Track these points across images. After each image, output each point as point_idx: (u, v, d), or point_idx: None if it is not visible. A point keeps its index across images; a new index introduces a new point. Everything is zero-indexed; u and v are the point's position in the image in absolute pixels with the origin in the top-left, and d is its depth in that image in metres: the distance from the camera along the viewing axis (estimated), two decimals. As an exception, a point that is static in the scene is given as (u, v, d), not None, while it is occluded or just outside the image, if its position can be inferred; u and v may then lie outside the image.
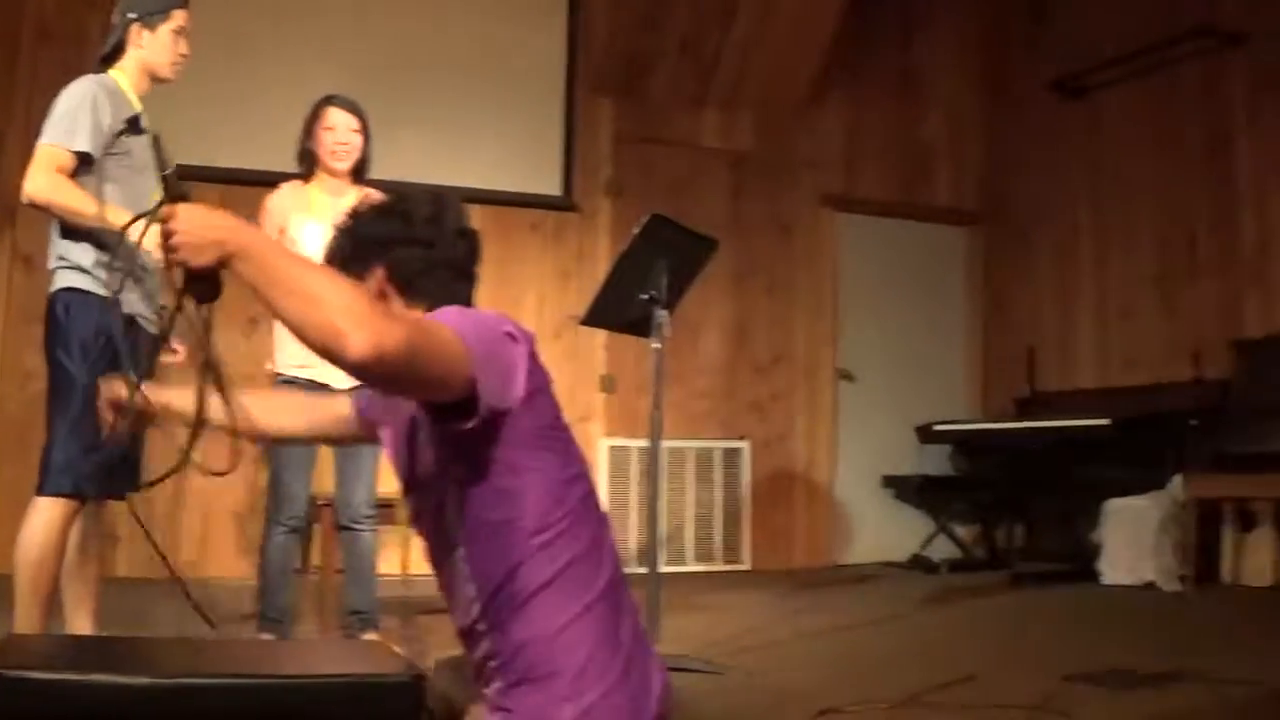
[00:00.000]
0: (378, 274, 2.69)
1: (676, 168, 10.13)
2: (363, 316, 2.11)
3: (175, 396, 2.97)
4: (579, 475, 2.64)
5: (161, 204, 2.28)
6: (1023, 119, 11.05)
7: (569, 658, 2.50)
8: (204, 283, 2.30)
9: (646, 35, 9.79)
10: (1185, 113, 9.58)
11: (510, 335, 2.48)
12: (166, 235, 2.22)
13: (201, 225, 2.20)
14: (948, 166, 11.28)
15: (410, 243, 2.70)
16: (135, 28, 4.79)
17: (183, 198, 2.28)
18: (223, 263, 2.20)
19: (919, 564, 10.10)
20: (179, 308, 2.40)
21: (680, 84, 10.09)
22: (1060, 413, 9.68)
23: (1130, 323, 9.96)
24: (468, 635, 2.64)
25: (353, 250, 2.73)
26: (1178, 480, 8.30)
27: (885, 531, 10.61)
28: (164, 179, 2.43)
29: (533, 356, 2.53)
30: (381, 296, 2.67)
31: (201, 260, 2.20)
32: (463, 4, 9.52)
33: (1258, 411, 8.38)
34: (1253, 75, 9.05)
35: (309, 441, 3.19)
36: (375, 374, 2.19)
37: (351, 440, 3.23)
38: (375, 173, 5.67)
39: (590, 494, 2.66)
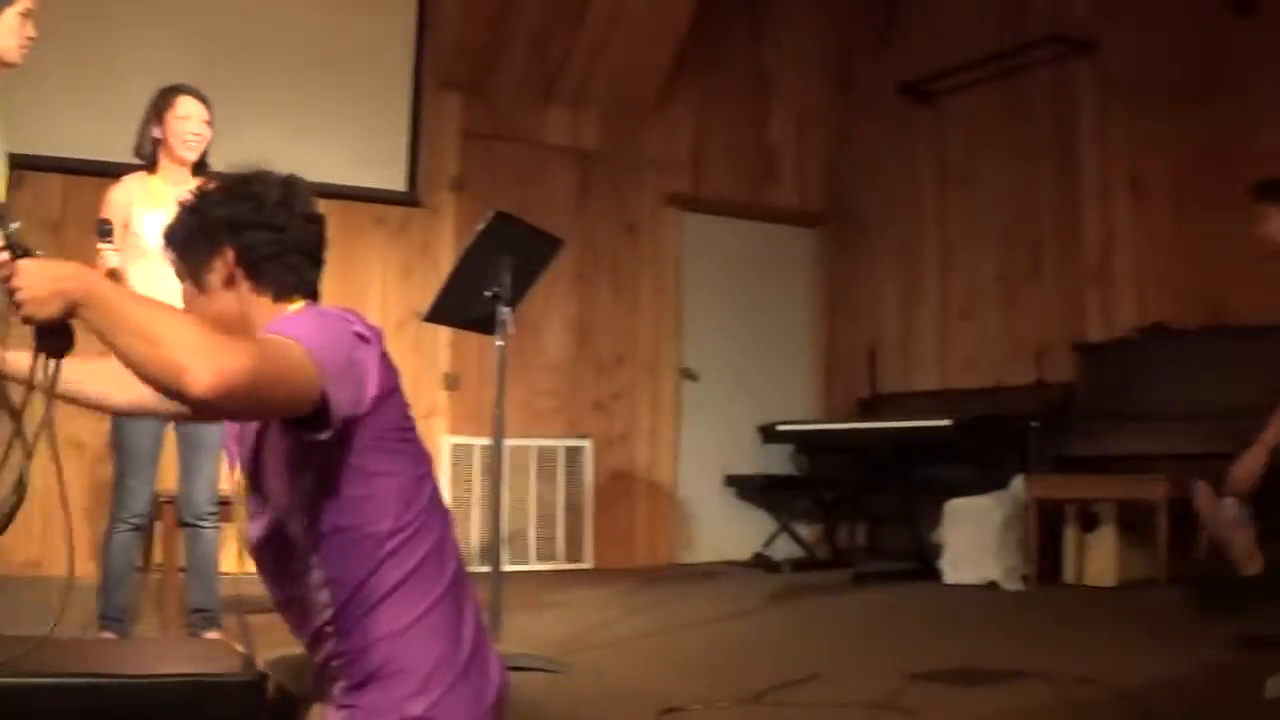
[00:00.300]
0: (226, 256, 2.60)
1: (522, 164, 10.08)
2: (202, 350, 2.07)
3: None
4: (427, 474, 2.60)
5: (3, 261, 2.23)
6: (871, 121, 11.17)
7: (415, 654, 2.47)
8: (55, 336, 2.26)
9: (495, 31, 9.73)
10: (1033, 117, 9.78)
11: (361, 336, 2.43)
12: (10, 292, 2.17)
13: (43, 278, 2.15)
14: (794, 167, 11.34)
15: (260, 226, 2.61)
16: (-21, 11, 4.67)
17: (26, 253, 2.23)
18: (70, 313, 2.16)
19: (761, 563, 10.16)
20: (34, 366, 2.33)
21: (528, 81, 10.06)
22: (903, 413, 9.79)
23: (973, 324, 10.12)
24: (313, 637, 2.58)
25: (200, 230, 2.63)
26: (1019, 480, 8.43)
27: (727, 530, 10.66)
28: (6, 237, 2.36)
29: (383, 356, 2.49)
30: (230, 280, 2.60)
31: (47, 313, 2.16)
32: (309, -6, 9.37)
33: (1099, 414, 8.53)
34: (1100, 82, 9.25)
35: (131, 413, 3.07)
36: (219, 408, 2.15)
37: (181, 416, 3.12)
38: (216, 164, 5.56)
39: (436, 491, 2.63)
